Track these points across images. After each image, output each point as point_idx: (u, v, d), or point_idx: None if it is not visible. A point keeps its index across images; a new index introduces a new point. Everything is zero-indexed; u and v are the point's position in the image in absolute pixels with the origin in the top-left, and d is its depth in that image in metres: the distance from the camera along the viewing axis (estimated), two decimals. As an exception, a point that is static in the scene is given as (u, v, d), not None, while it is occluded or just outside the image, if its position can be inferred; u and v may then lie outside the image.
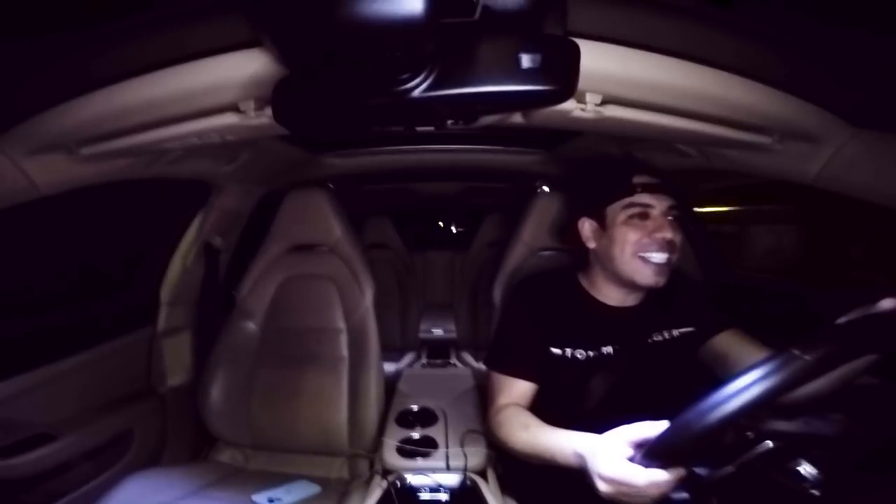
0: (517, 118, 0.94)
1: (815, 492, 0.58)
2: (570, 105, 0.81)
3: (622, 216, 1.12)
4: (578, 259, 1.29)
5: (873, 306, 0.71)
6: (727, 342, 1.14)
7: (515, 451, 1.06)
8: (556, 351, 1.17)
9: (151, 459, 1.64)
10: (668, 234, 1.08)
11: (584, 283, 1.25)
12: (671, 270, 1.13)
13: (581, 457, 0.85)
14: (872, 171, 0.82)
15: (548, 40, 0.65)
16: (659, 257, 1.09)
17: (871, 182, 0.83)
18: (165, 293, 1.72)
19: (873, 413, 0.66)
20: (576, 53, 0.65)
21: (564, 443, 0.92)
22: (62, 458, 1.32)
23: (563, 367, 1.16)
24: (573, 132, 1.39)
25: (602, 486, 0.77)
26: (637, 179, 1.12)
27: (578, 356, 1.16)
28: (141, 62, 0.76)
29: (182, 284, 1.74)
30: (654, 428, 0.75)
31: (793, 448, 0.61)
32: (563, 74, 0.64)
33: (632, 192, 1.11)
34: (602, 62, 0.72)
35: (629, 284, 1.16)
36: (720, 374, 1.10)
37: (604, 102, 0.81)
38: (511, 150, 1.80)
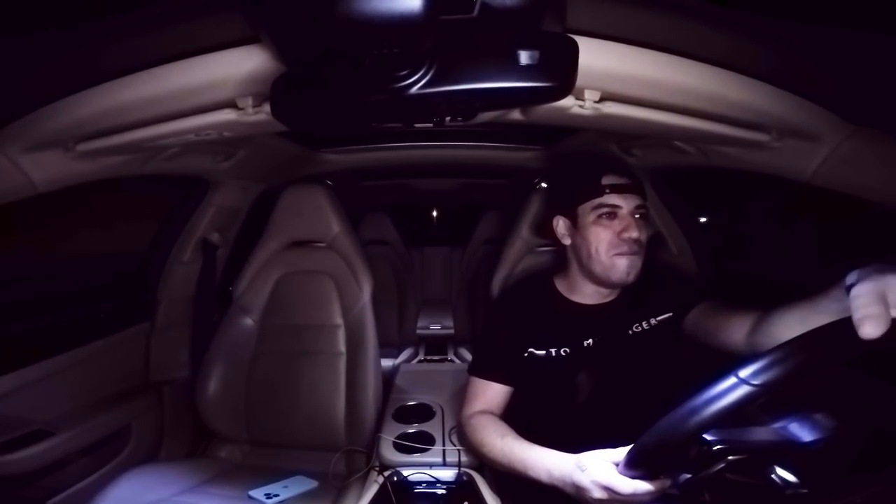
0: (516, 115, 0.94)
1: (804, 490, 0.59)
2: (568, 102, 0.81)
3: (592, 216, 1.16)
4: (557, 258, 1.31)
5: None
6: (701, 315, 1.16)
7: (487, 457, 1.12)
8: (539, 352, 1.21)
9: (149, 455, 1.65)
10: (634, 234, 1.12)
11: (561, 285, 1.30)
12: (641, 265, 1.17)
13: (551, 473, 0.94)
14: (870, 170, 0.82)
15: (546, 37, 0.65)
16: (628, 255, 1.14)
17: (869, 180, 0.83)
18: (163, 289, 1.72)
19: (857, 411, 0.66)
20: (574, 50, 0.64)
21: (537, 460, 0.99)
22: (60, 454, 1.33)
23: (547, 366, 1.20)
24: (572, 129, 1.39)
25: (597, 494, 0.83)
26: (606, 180, 1.15)
27: (562, 353, 1.20)
28: (138, 58, 0.75)
29: (180, 280, 1.74)
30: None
31: (761, 457, 0.62)
32: (561, 71, 0.64)
33: (601, 193, 1.15)
34: (600, 59, 0.71)
35: (603, 281, 1.20)
36: (702, 344, 1.13)
37: (602, 99, 0.81)
38: (509, 146, 1.80)
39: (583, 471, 0.86)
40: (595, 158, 1.40)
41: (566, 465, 0.91)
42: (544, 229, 1.34)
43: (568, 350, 1.20)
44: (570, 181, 1.26)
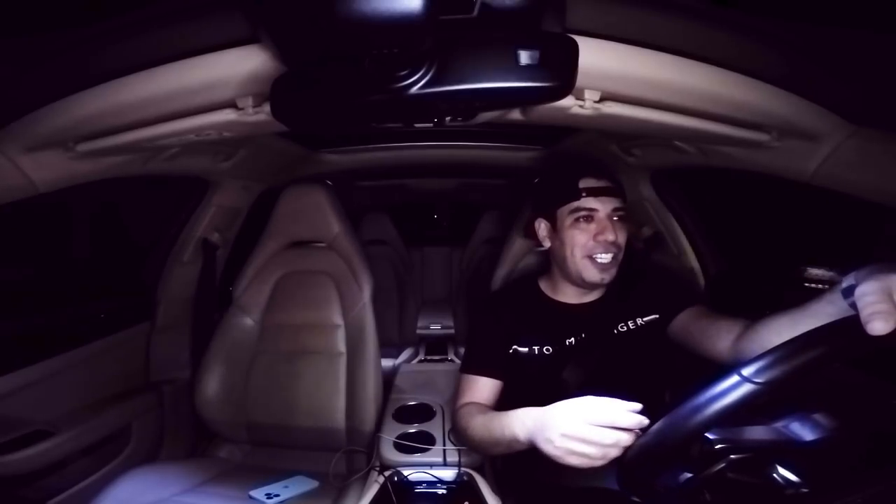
0: (516, 115, 0.94)
1: (804, 489, 0.59)
2: (568, 102, 0.81)
3: (569, 220, 1.18)
4: (542, 259, 1.34)
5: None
6: (688, 320, 1.17)
7: (473, 440, 1.10)
8: (523, 349, 1.22)
9: (149, 455, 1.65)
10: (610, 237, 1.15)
11: (545, 286, 1.32)
12: (618, 266, 1.19)
13: (524, 422, 0.90)
14: (870, 169, 0.82)
15: (546, 37, 0.65)
16: (604, 257, 1.16)
17: (869, 180, 0.83)
18: (163, 289, 1.72)
19: (858, 411, 0.66)
20: (574, 50, 0.64)
21: (515, 415, 0.95)
22: (60, 454, 1.32)
23: (532, 364, 1.21)
24: (572, 129, 1.39)
25: (559, 421, 0.81)
26: (583, 183, 1.17)
27: (546, 351, 1.21)
28: (139, 58, 0.75)
29: (180, 280, 1.74)
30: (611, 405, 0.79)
31: (763, 456, 0.62)
32: (561, 71, 0.64)
33: (577, 197, 1.16)
34: (600, 59, 0.71)
35: (579, 282, 1.22)
36: (689, 350, 1.13)
37: (602, 99, 0.81)
38: (509, 146, 1.80)
39: (559, 413, 0.84)
40: (574, 161, 1.42)
41: (542, 411, 0.88)
42: (528, 231, 1.35)
43: (551, 349, 1.21)
44: (549, 184, 1.28)
